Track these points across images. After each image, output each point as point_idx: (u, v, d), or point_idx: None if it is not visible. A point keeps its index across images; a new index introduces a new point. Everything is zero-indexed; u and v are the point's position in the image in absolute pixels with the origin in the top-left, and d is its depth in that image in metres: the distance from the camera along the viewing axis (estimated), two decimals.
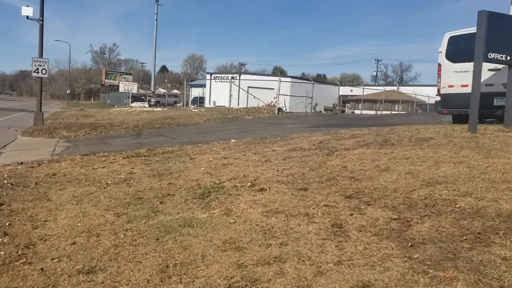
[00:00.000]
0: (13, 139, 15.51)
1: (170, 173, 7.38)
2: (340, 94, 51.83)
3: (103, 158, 9.45)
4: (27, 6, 17.78)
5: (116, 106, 46.23)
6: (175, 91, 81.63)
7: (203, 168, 7.53)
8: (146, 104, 52.49)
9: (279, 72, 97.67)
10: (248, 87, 37.79)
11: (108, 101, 68.29)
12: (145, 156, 9.60)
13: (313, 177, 5.80)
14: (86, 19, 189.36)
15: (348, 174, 5.69)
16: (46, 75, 18.94)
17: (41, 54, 18.73)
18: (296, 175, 6.05)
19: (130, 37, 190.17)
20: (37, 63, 18.42)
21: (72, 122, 21.55)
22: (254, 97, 29.88)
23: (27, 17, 18.03)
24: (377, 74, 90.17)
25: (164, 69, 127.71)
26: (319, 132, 10.88)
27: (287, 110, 25.08)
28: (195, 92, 56.86)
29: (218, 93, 39.56)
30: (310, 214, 4.42)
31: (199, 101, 50.32)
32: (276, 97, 22.88)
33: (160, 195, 5.90)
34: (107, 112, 32.66)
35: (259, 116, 22.11)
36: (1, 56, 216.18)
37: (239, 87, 36.72)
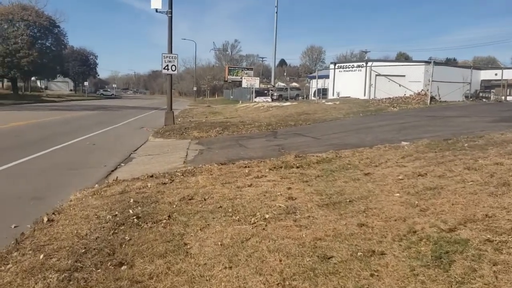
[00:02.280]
0: (145, 141, 14.68)
1: (349, 200, 5.01)
2: (481, 78, 45.10)
3: (246, 170, 7.49)
4: None
5: (240, 101, 45.84)
6: (294, 84, 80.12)
7: (398, 194, 5.03)
8: (269, 99, 51.51)
9: (403, 58, 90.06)
10: (376, 75, 34.36)
11: (232, 97, 69.15)
12: (297, 167, 7.41)
13: None
14: (208, 18, 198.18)
15: None
16: (175, 72, 18.03)
17: (170, 50, 17.86)
18: None
19: (250, 32, 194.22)
20: (167, 59, 17.53)
21: (202, 120, 20.55)
22: (400, 85, 26.27)
23: (156, 10, 17.22)
24: None
25: (282, 62, 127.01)
26: None
27: (441, 99, 21.28)
28: (315, 84, 54.39)
29: (343, 84, 36.62)
30: None
31: (322, 92, 47.82)
32: (429, 84, 19.29)
33: (358, 251, 3.56)
34: (233, 108, 31.77)
35: (407, 107, 18.82)
36: (136, 58, 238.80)
37: (366, 75, 33.38)
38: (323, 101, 24.93)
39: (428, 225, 3.94)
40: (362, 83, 35.64)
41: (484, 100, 26.94)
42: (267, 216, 4.68)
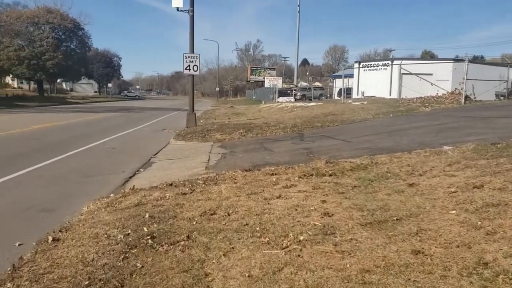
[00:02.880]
0: (166, 144, 14.20)
1: (396, 218, 4.30)
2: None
3: (273, 178, 6.84)
4: None
5: (263, 102, 45.19)
6: (317, 83, 79.08)
7: (454, 212, 4.30)
8: (292, 99, 50.66)
9: (429, 56, 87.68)
10: (403, 74, 33.49)
11: (254, 97, 68.55)
12: (329, 175, 6.72)
13: None
14: (230, 18, 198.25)
15: None
16: (197, 72, 17.48)
17: (192, 49, 17.32)
18: None
19: (272, 32, 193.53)
20: (188, 59, 17.00)
21: (225, 122, 19.97)
22: (432, 83, 25.12)
23: (178, 9, 16.73)
24: None
25: (305, 62, 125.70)
26: None
27: (476, 99, 20.15)
28: (339, 83, 53.62)
29: (368, 83, 35.65)
30: None
31: (346, 92, 46.85)
32: (462, 83, 18.23)
33: None
34: (256, 108, 31.15)
35: (440, 107, 17.82)
36: (160, 59, 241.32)
37: (392, 74, 32.52)
38: (350, 101, 24.04)
39: (501, 255, 3.22)
40: (388, 82, 34.54)
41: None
42: (301, 237, 4.02)
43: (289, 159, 9.02)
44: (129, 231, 4.50)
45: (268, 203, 5.36)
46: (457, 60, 34.49)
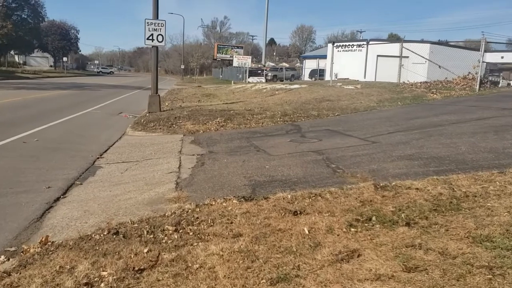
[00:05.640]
0: (121, 135, 10.87)
1: None
2: (486, 61, 41.86)
3: (302, 225, 3.80)
4: None
5: (232, 82, 41.76)
6: (284, 64, 76.27)
7: None
8: (263, 79, 47.78)
9: (395, 39, 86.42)
10: (378, 55, 32.00)
11: (221, 76, 64.99)
12: (406, 223, 3.74)
13: None
14: None
15: None
16: (162, 44, 13.83)
17: (156, 15, 13.59)
18: None
19: (239, 9, 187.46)
20: (151, 26, 13.31)
21: (196, 107, 16.35)
22: (440, 66, 22.64)
23: None
24: None
25: (272, 42, 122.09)
26: None
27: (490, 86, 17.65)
28: (309, 64, 51.26)
29: (342, 64, 33.28)
30: None
31: (319, 73, 44.54)
32: (478, 66, 15.58)
33: None
34: (228, 89, 27.64)
35: (450, 94, 15.10)
36: (121, 35, 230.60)
37: (367, 56, 30.92)
38: (339, 84, 21.08)
39: None
40: (363, 64, 32.64)
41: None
42: None
43: (302, 173, 5.98)
44: None
45: None
46: (433, 42, 32.62)
